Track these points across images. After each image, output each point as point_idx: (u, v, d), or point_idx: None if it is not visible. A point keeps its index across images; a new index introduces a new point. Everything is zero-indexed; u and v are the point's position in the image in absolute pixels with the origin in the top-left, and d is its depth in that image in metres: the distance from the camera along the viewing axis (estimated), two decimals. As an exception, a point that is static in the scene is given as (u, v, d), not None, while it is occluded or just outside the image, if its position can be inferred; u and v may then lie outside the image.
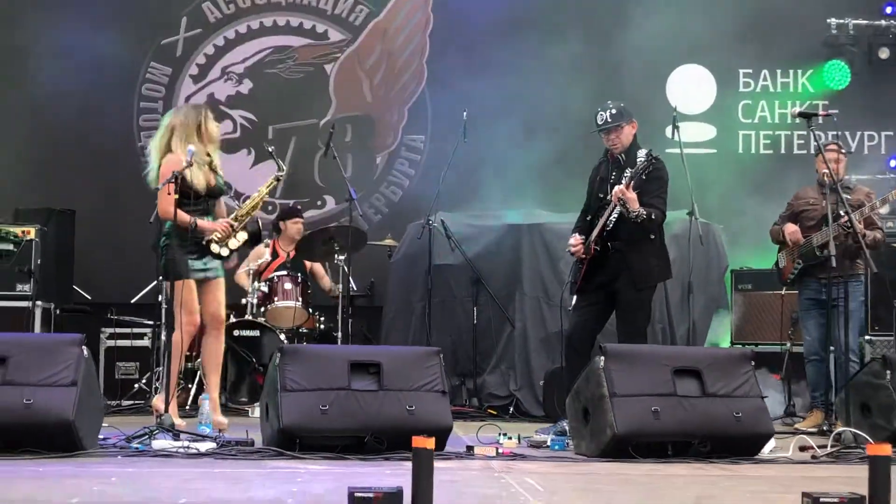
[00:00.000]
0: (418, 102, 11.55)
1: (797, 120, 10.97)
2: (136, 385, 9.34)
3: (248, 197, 7.49)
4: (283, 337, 9.03)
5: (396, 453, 5.43)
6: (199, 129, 7.05)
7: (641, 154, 7.15)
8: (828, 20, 11.50)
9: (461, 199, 10.13)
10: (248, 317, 9.13)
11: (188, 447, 5.67)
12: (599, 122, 7.35)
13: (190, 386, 8.79)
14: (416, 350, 6.12)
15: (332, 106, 11.52)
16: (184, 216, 6.77)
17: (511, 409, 9.15)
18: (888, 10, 11.55)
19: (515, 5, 11.21)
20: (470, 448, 5.82)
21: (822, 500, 2.99)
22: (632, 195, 7.00)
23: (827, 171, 7.52)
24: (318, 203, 11.26)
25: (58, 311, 9.40)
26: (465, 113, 9.27)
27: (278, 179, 7.42)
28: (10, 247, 6.78)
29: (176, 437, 5.93)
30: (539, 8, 11.23)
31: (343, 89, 11.58)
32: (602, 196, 7.22)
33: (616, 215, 7.07)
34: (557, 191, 9.79)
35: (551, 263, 9.38)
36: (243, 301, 9.24)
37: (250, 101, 11.47)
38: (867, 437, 6.16)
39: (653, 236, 7.17)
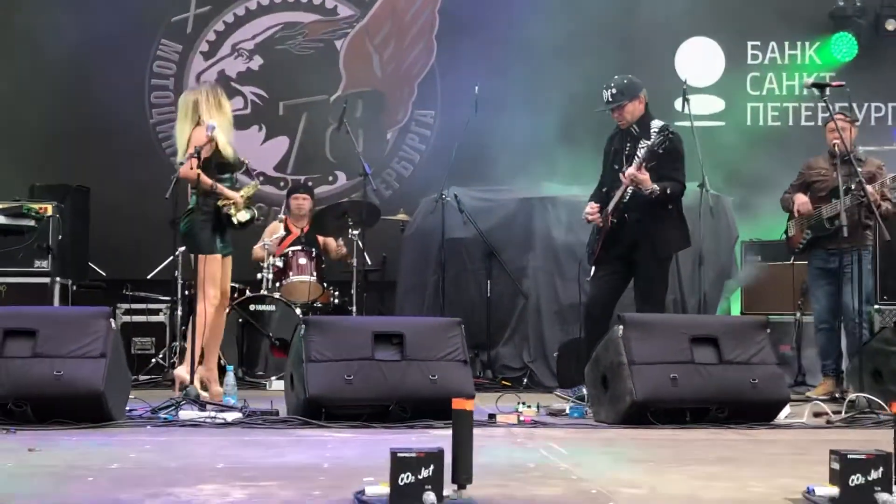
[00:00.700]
0: (428, 77, 11.57)
1: (805, 91, 11.13)
2: (153, 360, 9.37)
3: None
4: (298, 311, 9.05)
5: (420, 421, 5.52)
6: (220, 106, 7.11)
7: (656, 126, 7.20)
8: (835, -8, 11.59)
9: (473, 173, 10.14)
10: (263, 292, 9.15)
11: (215, 417, 5.73)
12: (607, 98, 7.40)
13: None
14: (438, 320, 6.16)
15: (342, 81, 11.56)
16: (206, 179, 6.84)
17: (525, 380, 9.16)
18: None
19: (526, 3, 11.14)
20: (492, 416, 5.85)
21: (849, 456, 2.98)
22: (644, 176, 7.05)
23: (838, 140, 7.59)
24: (330, 179, 11.29)
25: (74, 287, 9.41)
26: (476, 88, 9.29)
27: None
28: (32, 223, 6.81)
29: (202, 407, 6.01)
30: (552, 7, 11.12)
31: (353, 65, 11.60)
32: (617, 168, 7.26)
33: (630, 191, 7.14)
34: (568, 164, 9.81)
35: (564, 236, 9.39)
36: (258, 276, 9.24)
37: (261, 78, 11.49)
38: (881, 402, 6.26)
39: (671, 206, 7.22)
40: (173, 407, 5.95)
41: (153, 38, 11.42)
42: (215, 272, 7.02)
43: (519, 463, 4.02)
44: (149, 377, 9.05)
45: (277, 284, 9.19)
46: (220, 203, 6.99)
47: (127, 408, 5.85)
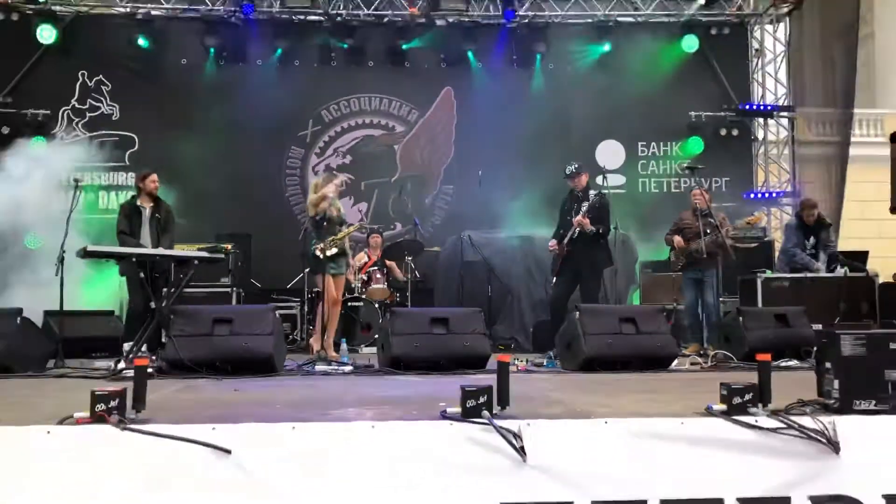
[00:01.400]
0: (450, 165, 11.59)
1: (675, 171, 11.23)
2: (290, 337, 9.32)
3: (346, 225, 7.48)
4: (376, 306, 9.08)
5: (459, 370, 5.52)
6: (328, 185, 7.20)
7: (592, 193, 7.26)
8: (689, 112, 11.63)
9: (479, 222, 10.10)
10: (356, 295, 9.20)
11: (337, 369, 5.80)
12: (566, 173, 7.45)
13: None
14: (468, 310, 6.10)
15: (398, 170, 11.56)
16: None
17: (512, 345, 9.18)
18: (723, 106, 11.64)
19: (508, 122, 11.07)
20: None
21: (732, 385, 3.00)
22: (585, 221, 7.12)
23: (699, 201, 7.64)
24: (392, 227, 11.23)
25: (242, 294, 9.42)
26: (480, 172, 9.38)
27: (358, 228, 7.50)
28: (221, 256, 6.88)
29: (328, 364, 6.06)
30: (523, 125, 11.07)
31: (405, 159, 11.60)
32: (569, 218, 7.32)
33: (577, 231, 7.18)
34: (537, 217, 9.82)
35: (534, 260, 9.44)
36: (353, 285, 9.26)
37: (350, 168, 11.44)
38: (731, 355, 6.29)
39: (602, 241, 7.27)
40: (312, 363, 6.02)
41: (287, 144, 11.40)
42: (327, 285, 7.03)
43: (526, 394, 4.00)
44: (288, 347, 8.98)
45: (364, 290, 9.24)
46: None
47: (285, 364, 5.89)
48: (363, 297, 9.16)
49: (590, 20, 11.53)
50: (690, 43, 11.47)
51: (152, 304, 6.25)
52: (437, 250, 9.95)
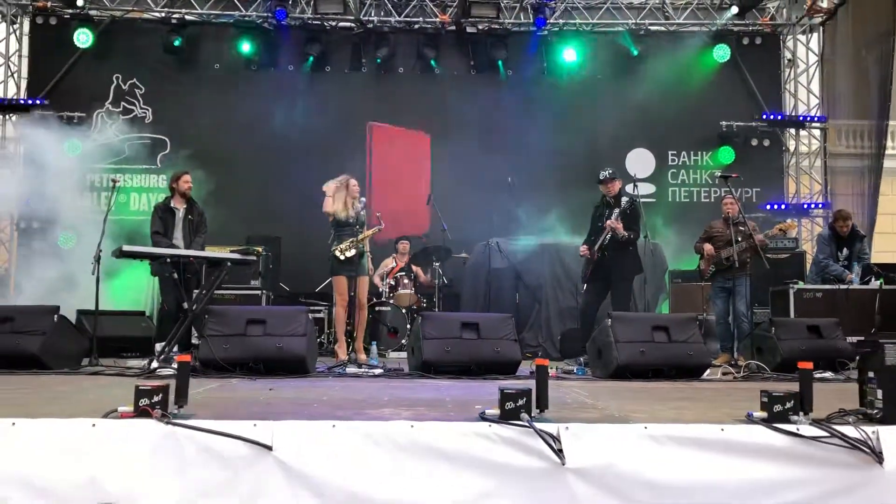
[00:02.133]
0: (480, 172, 11.37)
1: (710, 180, 11.19)
2: (318, 339, 9.24)
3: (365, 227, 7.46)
4: (403, 311, 9.09)
5: (489, 375, 5.52)
6: (347, 187, 7.24)
7: (625, 199, 7.24)
8: (720, 122, 11.55)
9: (508, 229, 10.00)
10: (384, 300, 9.23)
11: (367, 371, 5.81)
12: (600, 178, 7.43)
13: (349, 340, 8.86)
14: (499, 315, 6.09)
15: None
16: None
17: (539, 353, 9.01)
18: (755, 116, 11.56)
19: (538, 129, 11.09)
20: (532, 372, 5.81)
21: (774, 393, 2.97)
22: (619, 225, 7.10)
23: (731, 210, 7.60)
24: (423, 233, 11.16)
25: (272, 296, 9.45)
26: (510, 179, 9.35)
27: (377, 231, 7.41)
28: (253, 258, 6.91)
29: (359, 366, 6.08)
30: (554, 132, 11.13)
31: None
32: (600, 224, 7.31)
33: (609, 236, 7.16)
34: (566, 224, 9.81)
35: (562, 268, 9.37)
36: (380, 290, 9.31)
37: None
38: (763, 366, 6.23)
39: (631, 248, 7.23)
40: (342, 366, 6.05)
41: (317, 150, 10.99)
42: (340, 288, 7.08)
43: (561, 399, 4.03)
44: (316, 350, 9.05)
45: (391, 295, 9.26)
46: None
47: (316, 366, 5.89)
48: (391, 301, 9.17)
49: (621, 28, 11.52)
50: (722, 52, 11.41)
51: (185, 305, 6.31)
52: (464, 256, 9.91)
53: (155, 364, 5.66)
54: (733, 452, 2.86)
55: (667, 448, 2.84)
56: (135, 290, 9.85)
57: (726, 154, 11.46)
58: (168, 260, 6.35)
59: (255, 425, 2.79)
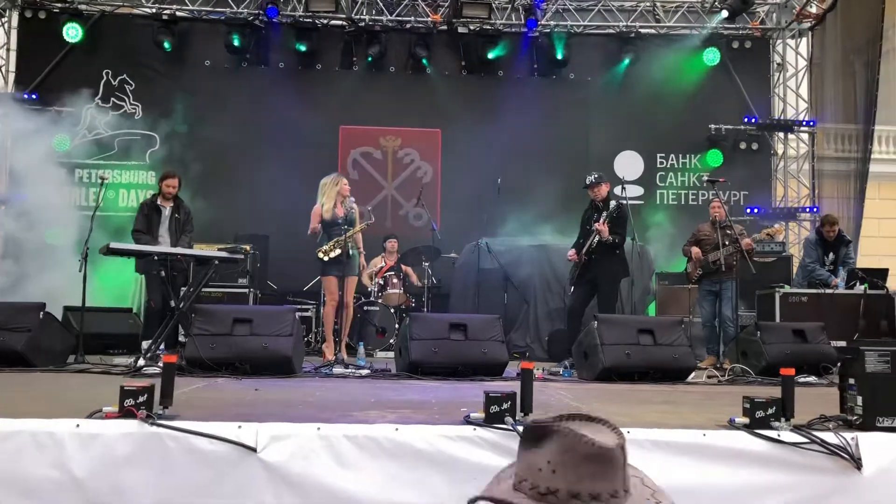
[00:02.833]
0: (469, 172, 11.46)
1: (697, 183, 11.22)
2: (305, 339, 9.14)
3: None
4: (392, 311, 9.10)
5: (476, 377, 5.51)
6: (338, 185, 7.19)
7: (612, 203, 7.26)
8: (709, 125, 11.60)
9: (497, 230, 10.05)
10: (372, 299, 9.22)
11: (354, 372, 5.79)
12: (587, 182, 7.45)
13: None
14: (486, 316, 6.07)
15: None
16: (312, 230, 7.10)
17: (527, 354, 9.05)
18: (745, 119, 11.62)
19: (528, 130, 11.16)
20: (518, 374, 5.82)
21: (756, 399, 3.00)
22: (605, 229, 7.12)
23: (718, 213, 7.64)
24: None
25: (259, 295, 9.42)
26: (499, 180, 9.35)
27: (363, 229, 7.28)
28: (241, 256, 6.91)
29: (346, 366, 6.06)
30: (543, 133, 11.22)
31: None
32: (588, 228, 7.33)
33: (597, 239, 7.18)
34: (555, 225, 9.86)
35: (551, 269, 9.39)
36: (369, 290, 9.29)
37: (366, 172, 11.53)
38: (749, 370, 6.27)
39: (618, 251, 7.25)
40: (329, 366, 6.04)
41: (306, 148, 11.03)
42: (330, 288, 7.06)
43: (546, 402, 4.02)
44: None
45: (380, 294, 9.26)
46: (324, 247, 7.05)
47: (302, 366, 5.88)
48: (379, 301, 9.16)
49: (612, 31, 11.56)
50: (712, 56, 11.46)
51: (172, 303, 6.30)
52: (454, 257, 9.91)
53: (141, 362, 5.65)
54: (715, 458, 2.88)
55: (649, 453, 2.86)
56: (123, 286, 9.81)
57: (715, 157, 11.51)
58: (155, 258, 6.33)
59: (239, 427, 2.79)
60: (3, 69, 11.32)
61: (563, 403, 4.04)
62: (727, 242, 7.47)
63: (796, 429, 2.94)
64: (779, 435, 2.90)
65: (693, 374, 5.98)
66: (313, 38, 11.28)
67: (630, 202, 8.21)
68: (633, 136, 11.54)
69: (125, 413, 2.82)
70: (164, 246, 7.11)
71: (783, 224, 11.49)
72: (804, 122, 11.66)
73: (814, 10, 11.37)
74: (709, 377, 6.13)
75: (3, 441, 2.71)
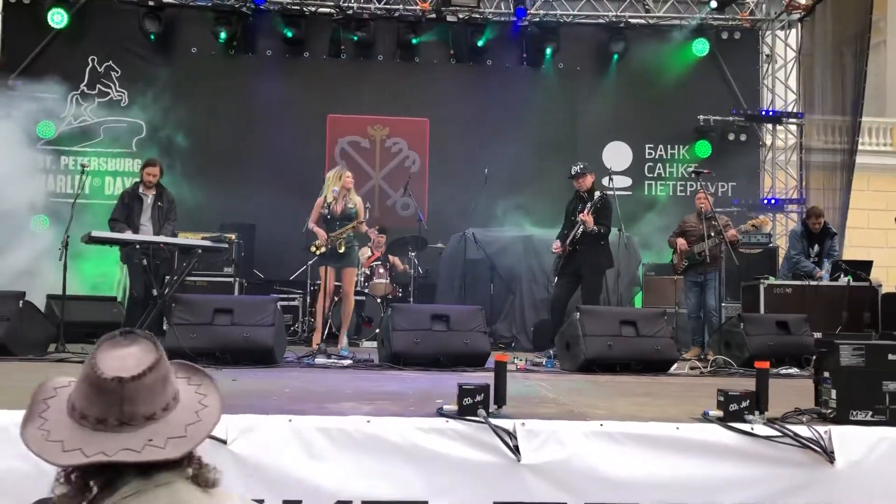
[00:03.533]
0: (456, 162, 11.42)
1: (686, 174, 11.19)
2: (291, 328, 9.15)
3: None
4: (378, 300, 9.08)
5: (458, 367, 5.51)
6: (340, 178, 7.05)
7: (597, 194, 7.24)
8: (698, 116, 11.57)
9: (484, 220, 10.02)
10: (358, 289, 9.15)
11: (336, 362, 5.79)
12: (572, 173, 7.43)
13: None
14: (469, 308, 6.05)
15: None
16: (311, 222, 6.96)
17: (513, 344, 9.15)
18: (733, 111, 11.60)
19: (515, 119, 11.14)
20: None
21: (730, 392, 2.98)
22: (590, 219, 7.10)
23: (704, 205, 7.64)
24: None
25: (245, 284, 9.36)
26: (486, 170, 9.33)
27: (354, 227, 7.00)
28: (225, 245, 6.86)
29: (328, 357, 6.05)
30: (531, 123, 11.10)
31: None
32: (573, 219, 7.31)
33: (581, 230, 7.16)
34: (540, 217, 9.84)
35: (537, 260, 9.39)
36: (354, 280, 9.22)
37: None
38: (732, 361, 6.27)
39: (602, 242, 7.23)
40: (312, 356, 6.02)
41: (293, 137, 11.02)
42: (321, 275, 7.03)
43: (524, 393, 4.02)
44: (289, 338, 8.92)
45: (366, 284, 9.22)
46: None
47: (285, 356, 5.88)
48: (366, 291, 9.13)
49: (601, 21, 11.51)
50: (701, 47, 11.41)
51: (154, 292, 6.26)
52: (440, 247, 9.88)
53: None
54: (688, 451, 2.87)
55: (622, 446, 2.85)
56: (107, 275, 9.75)
57: (703, 148, 11.49)
58: (137, 246, 6.28)
59: (209, 418, 2.76)
60: (-12, 54, 11.19)
61: (541, 395, 4.02)
62: (712, 234, 7.48)
63: (770, 422, 2.93)
64: (752, 428, 2.90)
65: (676, 366, 5.98)
66: (301, 25, 11.18)
67: (618, 193, 8.20)
68: (621, 126, 11.49)
69: (94, 405, 2.78)
70: (146, 234, 7.05)
71: (769, 215, 11.49)
72: (792, 114, 11.65)
73: (803, 0, 11.34)
74: (691, 368, 6.14)
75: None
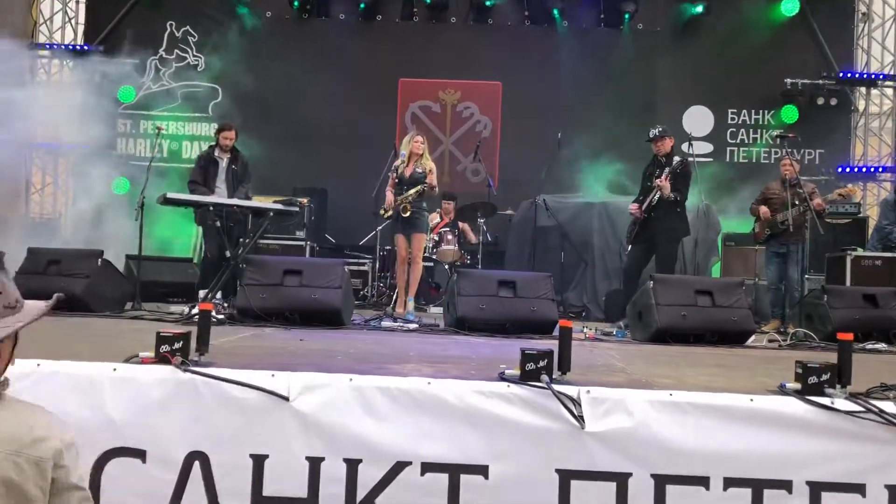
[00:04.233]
0: (530, 126, 11.21)
1: (771, 140, 10.76)
2: (360, 293, 9.22)
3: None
4: (445, 267, 9.07)
5: (524, 334, 5.44)
6: (409, 144, 7.07)
7: (676, 158, 7.02)
8: (785, 79, 11.09)
9: (556, 186, 9.79)
10: (426, 255, 9.14)
11: (402, 326, 5.82)
12: (650, 136, 7.22)
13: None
14: (537, 274, 5.99)
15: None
16: (388, 187, 7.01)
17: (583, 314, 9.02)
18: (822, 73, 11.06)
19: (592, 83, 10.93)
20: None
21: (809, 364, 2.84)
22: (666, 185, 6.90)
23: (789, 171, 7.34)
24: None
25: (317, 248, 9.50)
26: (559, 134, 9.16)
27: (423, 191, 6.99)
28: (297, 209, 6.97)
29: (394, 320, 6.09)
30: (608, 86, 10.91)
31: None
32: (650, 184, 7.12)
33: (657, 196, 6.97)
34: (613, 182, 9.64)
35: (611, 227, 9.22)
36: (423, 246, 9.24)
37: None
38: (813, 335, 6.03)
39: (679, 209, 7.03)
40: (378, 319, 6.06)
41: (365, 100, 11.01)
42: (399, 245, 7.05)
43: (591, 362, 3.94)
44: (358, 303, 9.05)
45: (435, 250, 9.22)
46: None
47: (353, 319, 5.92)
48: (434, 257, 9.13)
49: (683, -20, 11.09)
50: (791, 6, 10.88)
51: (227, 253, 6.38)
52: (510, 213, 9.79)
53: (196, 311, 5.74)
54: (762, 424, 2.75)
55: (692, 416, 2.75)
56: (184, 236, 10.04)
57: (790, 113, 11.02)
58: (210, 208, 6.41)
59: (272, 375, 2.79)
60: (73, 21, 11.56)
61: (609, 364, 3.93)
62: (797, 202, 7.18)
63: (852, 396, 2.78)
64: (832, 402, 2.75)
65: (753, 338, 5.77)
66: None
67: (698, 159, 7.92)
68: (703, 90, 11.13)
69: (161, 359, 2.85)
70: (220, 197, 7.19)
71: (859, 184, 10.95)
72: (889, 77, 11.01)
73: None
74: (769, 341, 5.91)
75: (47, 380, 2.77)
